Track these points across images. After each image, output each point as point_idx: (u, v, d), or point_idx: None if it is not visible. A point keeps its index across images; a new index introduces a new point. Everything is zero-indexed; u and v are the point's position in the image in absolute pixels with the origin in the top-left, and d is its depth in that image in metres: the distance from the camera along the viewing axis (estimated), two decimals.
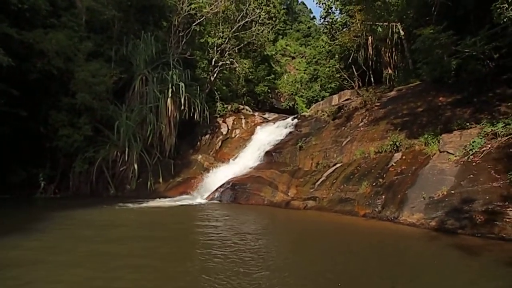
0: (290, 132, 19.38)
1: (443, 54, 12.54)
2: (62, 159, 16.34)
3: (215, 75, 24.62)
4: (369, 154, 13.06)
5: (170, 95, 18.05)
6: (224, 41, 24.71)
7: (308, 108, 29.33)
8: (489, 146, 9.73)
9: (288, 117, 22.33)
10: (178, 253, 6.89)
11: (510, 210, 7.67)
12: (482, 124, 10.61)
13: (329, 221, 10.26)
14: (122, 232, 8.80)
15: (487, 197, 8.24)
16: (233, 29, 24.96)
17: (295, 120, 20.73)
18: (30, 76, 14.74)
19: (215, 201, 14.20)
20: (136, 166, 16.72)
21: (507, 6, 9.55)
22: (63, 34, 15.01)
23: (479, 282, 5.20)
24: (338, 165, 13.86)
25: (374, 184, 11.23)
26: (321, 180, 13.37)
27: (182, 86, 18.19)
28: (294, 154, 16.43)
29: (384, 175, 11.32)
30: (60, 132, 15.33)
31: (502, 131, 9.79)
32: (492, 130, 10.05)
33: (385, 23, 19.89)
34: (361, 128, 15.17)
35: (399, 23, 19.46)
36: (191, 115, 19.11)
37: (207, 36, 24.61)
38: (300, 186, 13.75)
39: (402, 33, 19.61)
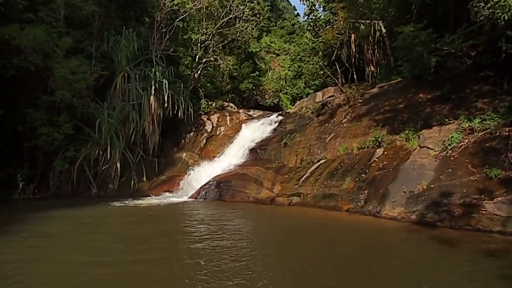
0: (275, 129, 19.45)
1: (423, 52, 12.81)
2: (42, 159, 15.86)
3: (199, 72, 24.42)
4: (352, 150, 13.26)
5: (153, 92, 17.79)
6: (208, 38, 24.52)
7: (293, 105, 29.48)
8: (466, 141, 10.05)
9: (272, 114, 22.40)
10: (162, 253, 6.80)
11: (486, 203, 7.96)
12: (460, 120, 10.94)
13: (314, 217, 10.37)
14: (105, 232, 8.63)
15: (465, 191, 8.52)
16: (217, 26, 24.79)
17: (280, 117, 20.81)
18: (6, 73, 14.21)
19: (200, 199, 14.12)
20: (118, 165, 16.42)
21: (483, 5, 9.83)
22: (40, 30, 14.51)
23: (456, 272, 5.38)
24: (322, 161, 14.02)
25: (357, 179, 11.42)
26: (305, 176, 13.49)
27: (165, 83, 17.95)
28: (279, 151, 16.51)
29: (367, 171, 11.53)
30: (39, 131, 14.86)
31: (478, 127, 10.13)
32: (469, 125, 10.38)
33: (367, 21, 20.13)
34: (344, 125, 15.37)
35: (381, 21, 19.74)
36: (175, 112, 18.91)
37: (190, 32, 24.34)
38: (285, 183, 13.84)
39: (384, 30, 19.91)
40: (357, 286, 4.94)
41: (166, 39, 20.45)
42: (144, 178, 16.95)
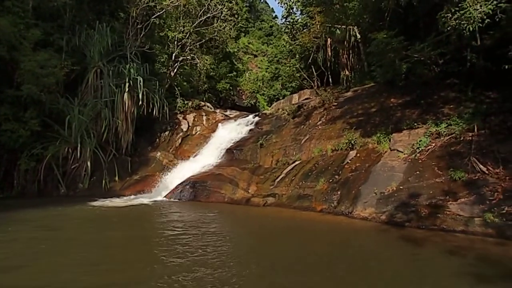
0: (251, 130, 19.50)
1: (395, 58, 13.29)
2: (6, 156, 15.01)
3: (175, 70, 24.04)
4: (327, 152, 13.54)
5: (127, 89, 17.30)
6: (185, 36, 24.18)
7: (270, 106, 29.70)
8: (433, 145, 10.54)
9: (249, 115, 22.44)
10: (133, 254, 6.66)
11: (450, 204, 8.38)
12: (428, 125, 11.46)
13: (288, 218, 10.49)
14: (72, 234, 8.32)
15: (431, 192, 8.92)
16: (194, 24, 24.50)
17: (256, 118, 20.89)
18: None
19: (175, 199, 13.90)
20: (89, 164, 15.85)
21: (450, 16, 10.36)
22: (6, 20, 13.76)
23: (422, 270, 5.63)
24: (297, 162, 14.20)
25: (330, 180, 11.67)
26: (280, 177, 13.63)
27: (140, 80, 17.52)
28: (255, 152, 16.57)
29: (340, 172, 11.81)
30: (3, 127, 14.06)
31: (444, 131, 10.66)
32: (436, 130, 10.89)
33: (343, 26, 20.64)
34: (319, 127, 15.67)
35: (356, 27, 20.30)
36: (150, 111, 18.49)
37: (167, 30, 23.90)
38: (260, 183, 13.91)
39: (358, 36, 20.48)
40: (326, 285, 5.06)
41: (141, 35, 20.00)
42: (117, 178, 16.47)
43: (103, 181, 15.86)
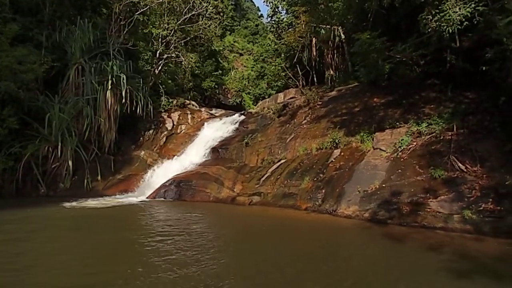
0: (237, 129, 19.47)
1: (378, 58, 13.54)
2: None
3: (159, 68, 23.71)
4: (311, 150, 13.66)
5: (110, 87, 16.95)
6: (170, 33, 23.87)
7: (255, 105, 29.72)
8: (415, 143, 10.79)
9: (235, 114, 22.38)
10: (115, 255, 6.55)
11: (430, 201, 8.60)
12: (409, 124, 11.72)
13: (273, 216, 10.54)
14: (50, 235, 8.11)
15: (412, 190, 9.14)
16: (179, 22, 24.23)
17: (242, 117, 20.86)
18: None
19: (159, 199, 13.74)
20: (70, 163, 15.46)
21: (431, 18, 10.63)
22: None
23: (402, 266, 5.77)
24: (282, 161, 14.28)
25: (315, 179, 11.79)
26: (266, 176, 13.67)
27: (123, 78, 17.19)
28: (240, 151, 16.56)
29: (325, 171, 11.95)
30: None
31: (425, 130, 10.93)
32: (417, 129, 11.15)
33: (327, 26, 20.85)
34: (304, 126, 15.80)
35: (340, 27, 20.55)
36: (134, 109, 18.17)
37: (151, 27, 23.56)
38: (246, 182, 13.92)
39: (343, 36, 20.74)
40: (311, 281, 5.12)
41: (125, 32, 19.61)
42: (99, 177, 16.14)
43: (85, 181, 15.51)
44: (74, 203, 12.44)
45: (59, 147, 15.16)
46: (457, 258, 6.00)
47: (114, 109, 17.30)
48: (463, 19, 9.82)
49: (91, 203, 12.74)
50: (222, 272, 5.37)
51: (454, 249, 6.56)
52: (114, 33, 19.14)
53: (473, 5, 9.66)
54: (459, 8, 9.72)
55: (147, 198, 13.99)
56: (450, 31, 10.16)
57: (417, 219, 8.41)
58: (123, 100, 17.30)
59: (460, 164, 9.13)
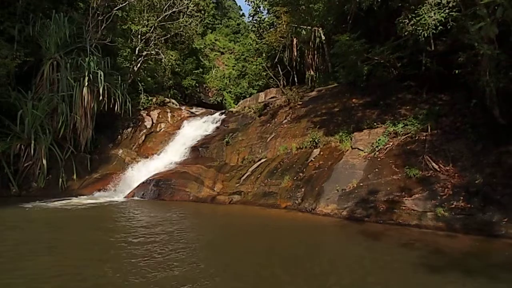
0: (218, 127, 19.37)
1: (357, 60, 13.81)
2: None
3: (139, 65, 23.21)
4: (291, 150, 13.78)
5: (86, 83, 16.42)
6: (149, 30, 23.43)
7: (236, 104, 29.66)
8: (391, 143, 11.10)
9: (215, 112, 22.22)
10: (88, 258, 6.36)
11: (405, 199, 8.87)
12: (386, 124, 12.04)
13: (253, 215, 10.57)
14: (19, 237, 7.77)
15: (388, 188, 9.39)
16: (159, 18, 23.81)
17: (223, 116, 20.76)
18: None
19: (137, 198, 13.46)
20: (44, 162, 14.86)
21: (407, 21, 10.96)
22: None
23: (377, 262, 5.92)
24: (262, 160, 14.33)
25: (295, 178, 11.90)
26: (246, 175, 13.67)
27: (101, 74, 16.69)
28: (221, 149, 16.48)
29: (304, 170, 12.08)
30: None
31: (401, 131, 11.26)
32: (393, 130, 11.47)
33: (308, 27, 21.08)
34: (285, 125, 15.91)
35: (320, 28, 20.82)
36: (111, 106, 17.69)
37: (130, 23, 23.01)
38: (226, 181, 13.87)
39: (323, 37, 21.01)
40: (288, 278, 5.17)
41: (102, 27, 19.05)
42: (75, 176, 15.62)
43: (60, 180, 14.97)
44: (47, 203, 11.98)
45: (32, 145, 14.56)
46: (430, 254, 6.22)
47: (91, 106, 16.77)
48: (438, 24, 10.19)
49: (66, 202, 12.31)
50: (199, 274, 5.32)
51: (427, 246, 6.79)
52: (92, 28, 18.55)
53: (447, 11, 10.03)
54: (434, 13, 10.07)
55: (125, 197, 13.68)
56: (426, 35, 10.51)
57: (393, 217, 8.65)
58: (101, 98, 16.79)
59: (433, 164, 9.46)
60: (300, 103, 17.47)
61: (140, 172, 15.61)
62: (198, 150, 16.99)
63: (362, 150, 11.41)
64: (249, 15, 27.02)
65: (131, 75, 22.16)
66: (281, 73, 23.89)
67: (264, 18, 27.10)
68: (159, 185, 13.76)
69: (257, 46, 30.42)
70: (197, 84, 33.26)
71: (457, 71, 10.00)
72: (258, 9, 25.83)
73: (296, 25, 21.29)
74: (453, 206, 8.10)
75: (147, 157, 17.53)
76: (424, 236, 7.57)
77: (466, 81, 10.45)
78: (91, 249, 6.68)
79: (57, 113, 15.77)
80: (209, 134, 18.56)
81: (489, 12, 7.68)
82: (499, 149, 8.86)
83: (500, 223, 7.24)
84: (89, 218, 10.20)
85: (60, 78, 16.16)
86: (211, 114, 21.69)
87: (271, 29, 26.70)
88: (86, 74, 16.40)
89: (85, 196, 13.94)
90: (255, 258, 6.24)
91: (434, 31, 10.38)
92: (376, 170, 10.28)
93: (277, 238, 7.99)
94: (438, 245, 6.86)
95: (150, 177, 14.49)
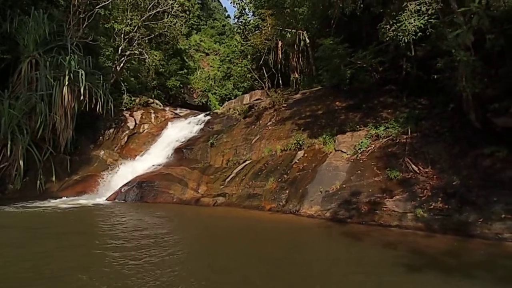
0: (202, 129, 19.27)
1: (340, 64, 14.05)
2: None
3: (121, 64, 22.82)
4: (276, 151, 13.87)
5: (67, 83, 16.01)
6: (133, 29, 23.10)
7: (221, 106, 29.60)
8: (373, 146, 11.34)
9: (200, 114, 22.14)
10: (66, 263, 6.19)
11: (387, 201, 9.08)
12: (369, 127, 12.30)
13: (237, 217, 10.57)
14: None
15: (370, 190, 9.59)
16: (143, 18, 23.53)
17: (207, 117, 20.69)
18: None
19: (119, 201, 13.22)
20: (21, 163, 14.41)
21: (389, 27, 11.25)
22: None
23: (358, 262, 6.05)
24: (247, 162, 14.35)
25: (279, 180, 11.98)
26: (231, 176, 13.66)
27: (82, 73, 16.31)
28: (205, 151, 16.40)
29: (288, 172, 12.18)
30: None
31: (383, 134, 11.53)
32: (375, 132, 11.74)
33: (293, 30, 21.29)
34: (269, 127, 16.00)
35: (305, 32, 21.07)
36: (93, 106, 17.32)
37: (113, 22, 22.63)
38: (211, 183, 13.82)
39: (307, 41, 21.27)
40: (271, 278, 5.22)
41: (84, 26, 18.63)
42: (54, 178, 15.21)
43: (38, 182, 14.56)
44: (24, 206, 11.62)
45: (9, 145, 14.08)
46: (409, 254, 6.39)
47: (71, 106, 16.37)
48: (417, 30, 10.51)
49: (44, 205, 11.97)
50: (179, 278, 5.29)
51: (407, 246, 6.99)
52: (73, 26, 18.12)
53: (426, 18, 10.36)
54: (414, 20, 10.38)
55: (106, 199, 13.42)
56: (406, 40, 10.82)
57: (375, 218, 8.83)
58: (82, 97, 16.41)
59: (413, 166, 9.73)
60: (285, 105, 17.61)
61: (123, 174, 15.35)
62: (182, 151, 16.86)
63: (345, 152, 11.61)
64: (235, 16, 27.00)
65: (114, 74, 21.78)
66: (266, 75, 24.03)
67: (250, 20, 27.16)
68: (142, 187, 13.57)
69: (242, 48, 30.47)
70: (181, 85, 32.99)
71: (435, 76, 10.35)
72: (243, 11, 25.84)
73: (281, 28, 21.46)
74: (431, 207, 8.35)
75: (129, 159, 17.27)
76: (404, 236, 7.76)
77: (444, 86, 10.83)
78: (67, 254, 6.48)
79: (36, 113, 15.31)
80: (194, 136, 18.45)
81: (465, 20, 8.02)
82: (475, 152, 9.20)
83: (475, 223, 7.51)
84: (67, 221, 9.94)
85: (39, 76, 15.71)
86: (196, 116, 21.58)
87: (256, 31, 26.80)
88: (67, 73, 16.00)
89: (64, 199, 13.59)
90: (238, 261, 6.25)
91: (414, 37, 10.70)
92: (359, 172, 10.48)
93: (260, 240, 8.03)
94: (417, 245, 7.07)
95: (133, 179, 14.27)
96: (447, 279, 5.18)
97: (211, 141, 16.55)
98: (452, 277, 5.25)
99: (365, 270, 5.64)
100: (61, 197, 13.88)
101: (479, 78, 9.16)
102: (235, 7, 25.21)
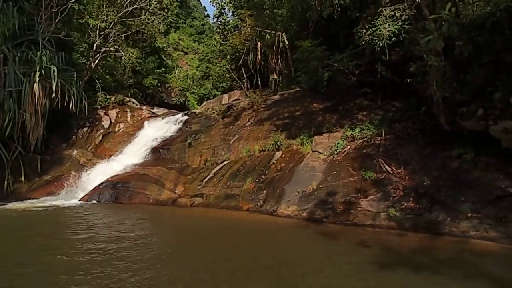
0: (180, 129, 19.02)
1: (318, 66, 14.29)
2: None
3: (96, 61, 22.15)
4: (254, 152, 13.90)
5: (37, 79, 15.34)
6: (109, 26, 22.45)
7: (200, 105, 29.33)
8: (349, 147, 11.59)
9: (178, 113, 21.85)
10: (33, 267, 5.96)
11: (361, 201, 9.30)
12: (344, 129, 12.56)
13: (215, 217, 10.50)
14: None
15: (346, 190, 9.79)
16: (120, 14, 22.90)
17: (185, 117, 20.44)
18: None
19: (93, 202, 12.80)
20: None
21: (365, 31, 11.54)
22: None
23: (333, 261, 6.16)
24: (225, 162, 14.29)
25: (257, 180, 12.01)
26: (208, 177, 13.56)
27: (54, 70, 15.67)
28: (183, 151, 16.20)
29: (266, 172, 12.24)
30: None
31: (358, 135, 11.81)
32: (351, 134, 12.00)
33: (272, 31, 21.41)
34: (248, 128, 16.01)
35: (284, 33, 21.25)
36: (65, 104, 16.69)
37: (88, 17, 21.93)
38: (188, 183, 13.66)
39: (286, 42, 21.46)
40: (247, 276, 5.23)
41: (57, 20, 17.91)
42: (23, 178, 14.54)
43: (5, 182, 13.86)
44: None
45: None
46: (381, 252, 6.58)
47: (43, 103, 15.70)
48: (392, 35, 10.86)
49: (11, 207, 11.44)
50: (154, 278, 5.20)
51: (380, 244, 7.18)
52: (45, 20, 17.38)
53: (400, 23, 10.72)
54: (388, 25, 10.71)
55: (79, 201, 12.97)
56: (381, 45, 11.15)
57: (350, 217, 9.03)
58: (53, 94, 15.78)
59: (387, 167, 10.02)
60: (263, 106, 17.68)
61: (97, 174, 14.91)
62: (159, 151, 16.57)
63: (322, 153, 11.80)
64: (214, 16, 26.77)
65: (88, 71, 21.13)
66: (245, 75, 24.04)
67: (229, 20, 27.06)
68: (116, 188, 13.23)
69: (221, 47, 30.31)
70: (159, 84, 32.44)
71: (408, 80, 10.72)
72: (223, 11, 25.66)
73: (260, 29, 21.54)
74: (403, 206, 8.63)
75: (104, 159, 16.80)
76: (378, 235, 7.98)
77: (416, 90, 11.22)
78: (33, 260, 6.21)
79: (4, 110, 14.58)
80: (171, 135, 18.17)
81: (436, 27, 8.33)
82: (444, 153, 9.60)
83: (444, 222, 7.83)
84: (36, 224, 9.50)
85: (7, 72, 14.96)
86: (174, 115, 21.28)
87: (236, 32, 26.77)
88: (38, 69, 15.33)
89: (34, 200, 13.04)
90: (214, 262, 6.21)
91: (389, 42, 11.04)
92: (335, 172, 10.68)
93: (237, 241, 8.01)
94: (390, 243, 7.28)
95: (107, 179, 13.88)
96: (417, 275, 5.36)
97: (189, 141, 16.36)
98: (422, 273, 5.44)
99: (337, 269, 5.75)
100: (31, 198, 13.31)
101: (449, 83, 9.56)
102: (214, 6, 25.01)
